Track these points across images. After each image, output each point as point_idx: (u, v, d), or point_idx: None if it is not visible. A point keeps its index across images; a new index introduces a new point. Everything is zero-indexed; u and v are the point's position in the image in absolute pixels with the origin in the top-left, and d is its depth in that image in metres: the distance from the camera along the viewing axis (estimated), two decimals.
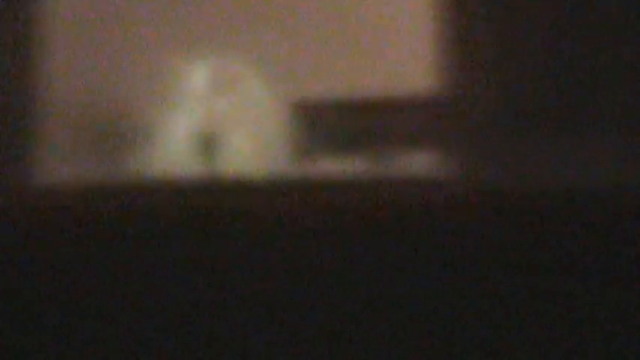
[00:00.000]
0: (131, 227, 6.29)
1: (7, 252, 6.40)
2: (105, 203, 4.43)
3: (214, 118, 6.50)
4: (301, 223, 6.35)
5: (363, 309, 4.99)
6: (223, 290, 5.54)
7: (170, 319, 4.78)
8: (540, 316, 4.96)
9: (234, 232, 6.36)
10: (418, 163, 6.60)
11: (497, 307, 5.10)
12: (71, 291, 5.52)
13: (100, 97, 6.84)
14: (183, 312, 4.94)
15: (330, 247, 6.64)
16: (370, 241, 7.28)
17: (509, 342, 4.44)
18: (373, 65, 6.59)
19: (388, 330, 4.54)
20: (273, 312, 4.98)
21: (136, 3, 6.49)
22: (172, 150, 6.30)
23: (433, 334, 4.57)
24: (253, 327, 4.69)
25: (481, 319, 4.84)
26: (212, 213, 5.03)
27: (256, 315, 4.95)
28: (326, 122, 6.61)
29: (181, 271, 6.30)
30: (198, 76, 6.36)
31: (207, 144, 6.19)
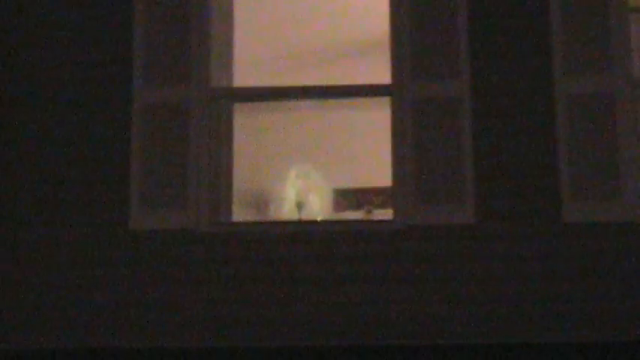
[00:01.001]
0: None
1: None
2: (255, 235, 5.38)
3: (300, 189, 10.69)
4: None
5: None
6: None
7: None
8: None
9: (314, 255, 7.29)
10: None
11: None
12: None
13: (258, 182, 11.01)
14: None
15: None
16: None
17: None
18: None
19: None
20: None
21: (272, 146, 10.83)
22: (281, 207, 10.57)
23: None
24: None
25: None
26: (301, 238, 6.81)
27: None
28: (347, 197, 10.77)
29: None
30: (293, 173, 10.71)
31: (298, 204, 10.42)
